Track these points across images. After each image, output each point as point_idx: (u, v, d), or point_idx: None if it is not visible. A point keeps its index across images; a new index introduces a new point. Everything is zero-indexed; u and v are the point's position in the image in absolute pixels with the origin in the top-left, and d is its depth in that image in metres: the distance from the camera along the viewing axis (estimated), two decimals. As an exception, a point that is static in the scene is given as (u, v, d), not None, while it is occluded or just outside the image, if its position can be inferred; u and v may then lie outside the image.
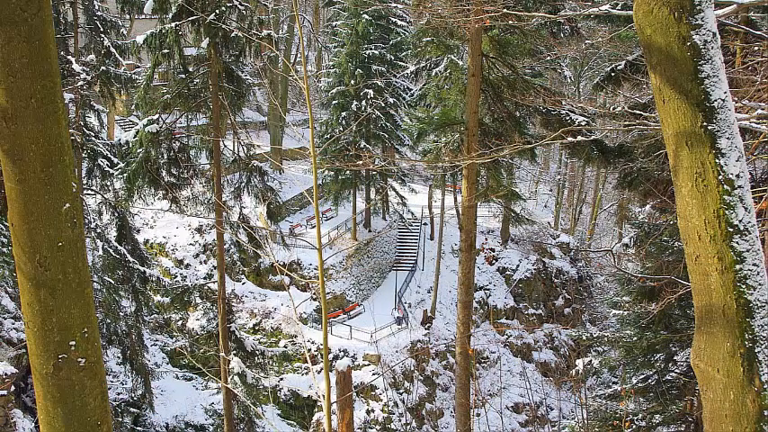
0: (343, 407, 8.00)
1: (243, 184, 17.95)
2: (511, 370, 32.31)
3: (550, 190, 54.53)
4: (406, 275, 34.54)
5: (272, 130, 41.01)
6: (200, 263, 30.97)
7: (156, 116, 16.51)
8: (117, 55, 20.91)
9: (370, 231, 35.19)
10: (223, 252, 18.21)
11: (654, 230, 15.90)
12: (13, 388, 16.14)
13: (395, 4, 29.20)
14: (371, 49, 31.59)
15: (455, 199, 26.34)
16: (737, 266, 4.31)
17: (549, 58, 19.09)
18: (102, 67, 20.18)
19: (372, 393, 26.11)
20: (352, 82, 30.69)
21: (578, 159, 19.51)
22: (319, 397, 11.94)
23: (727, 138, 4.31)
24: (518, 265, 36.49)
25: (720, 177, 4.29)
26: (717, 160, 4.29)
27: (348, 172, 31.23)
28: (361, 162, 20.10)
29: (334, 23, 37.41)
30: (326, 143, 22.69)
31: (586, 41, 17.35)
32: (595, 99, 26.24)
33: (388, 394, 26.14)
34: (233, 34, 16.28)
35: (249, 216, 18.89)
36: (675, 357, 16.16)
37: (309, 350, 27.93)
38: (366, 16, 30.70)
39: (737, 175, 4.31)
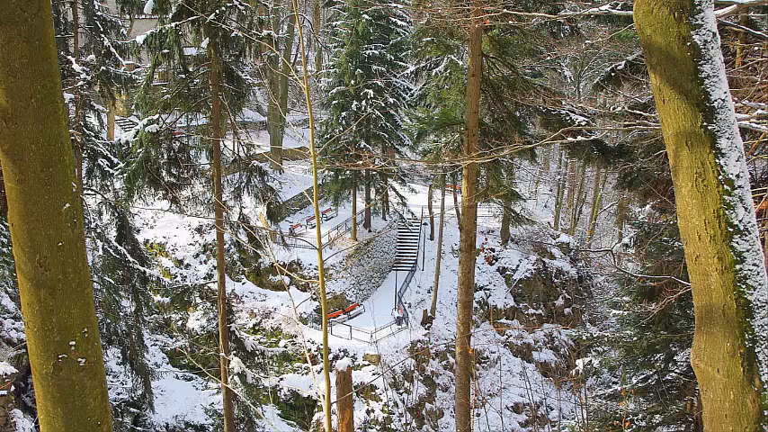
0: (343, 407, 8.00)
1: (243, 184, 17.96)
2: (511, 370, 32.31)
3: (550, 190, 54.54)
4: (406, 275, 34.54)
5: (272, 130, 41.02)
6: (201, 263, 30.98)
7: (156, 116, 16.50)
8: (117, 55, 20.90)
9: (370, 231, 35.20)
10: (223, 252, 18.21)
11: (654, 230, 15.90)
12: (13, 388, 16.14)
13: (395, 4, 29.18)
14: (371, 49, 31.59)
15: (455, 199, 26.34)
16: (737, 266, 4.31)
17: (549, 58, 19.08)
18: (102, 67, 20.18)
19: (372, 393, 26.11)
20: (352, 82, 30.69)
21: (578, 159, 19.50)
22: (319, 397, 11.93)
23: (727, 138, 4.31)
24: (518, 265, 36.49)
25: (720, 177, 4.29)
26: (717, 160, 4.30)
27: (348, 172, 31.23)
28: (361, 162, 20.09)
29: (334, 23, 37.42)
30: (326, 143, 22.65)
31: (586, 41, 17.33)
32: (595, 99, 26.21)
33: (388, 394, 26.14)
34: (233, 34, 16.28)
35: (249, 216, 18.89)
36: (675, 357, 16.16)
37: (309, 350, 27.94)
38: (366, 16, 30.70)
39: (737, 175, 4.31)
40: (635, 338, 15.69)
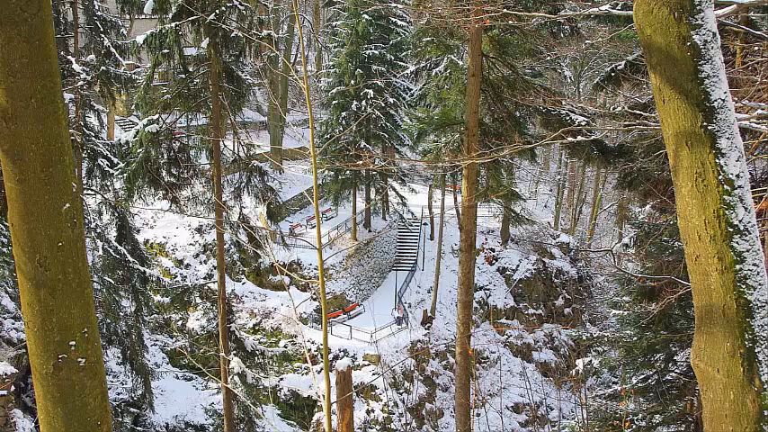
0: (343, 407, 8.00)
1: (243, 184, 17.96)
2: (511, 370, 32.31)
3: (550, 190, 54.54)
4: (406, 275, 34.54)
5: (272, 130, 41.02)
6: (201, 263, 30.97)
7: (156, 116, 16.50)
8: (117, 55, 20.90)
9: (370, 231, 35.20)
10: (223, 252, 18.21)
11: (654, 230, 15.90)
12: (13, 388, 16.14)
13: (395, 4, 29.18)
14: (371, 49, 31.59)
15: (455, 199, 26.34)
16: (737, 266, 4.31)
17: (549, 58, 19.08)
18: (102, 67, 20.17)
19: (372, 393, 26.11)
20: (352, 82, 30.69)
21: (578, 159, 19.50)
22: (319, 397, 11.94)
23: (727, 138, 4.31)
24: (518, 265, 36.49)
25: (720, 177, 4.29)
26: (717, 160, 4.30)
27: (348, 172, 31.23)
28: (361, 162, 20.10)
29: (334, 23, 37.42)
30: (326, 143, 22.66)
31: (586, 41, 17.33)
32: (595, 99, 26.21)
33: (388, 394, 26.14)
34: (233, 34, 16.28)
35: (249, 216, 18.89)
36: (675, 357, 16.16)
37: (309, 350, 27.94)
38: (366, 16, 30.70)
39: (737, 175, 4.31)
40: (635, 338, 15.68)
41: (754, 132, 9.44)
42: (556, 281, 37.37)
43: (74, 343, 4.25)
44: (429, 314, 30.79)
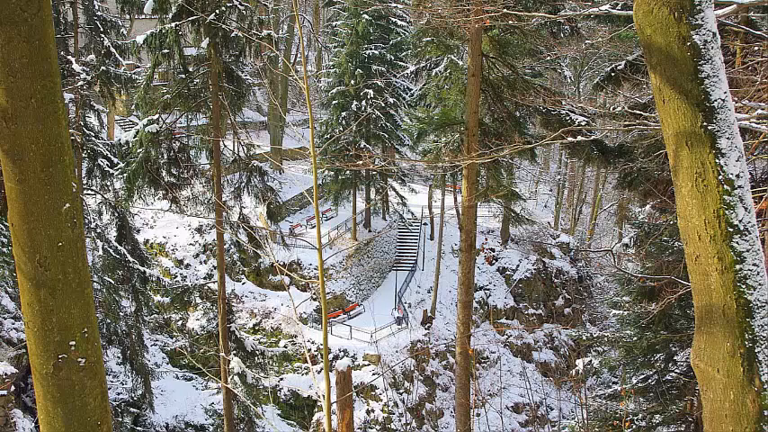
0: (343, 407, 8.00)
1: (243, 184, 17.96)
2: (511, 370, 32.31)
3: (550, 190, 54.54)
4: (406, 275, 34.54)
5: (272, 130, 41.02)
6: (201, 263, 30.98)
7: (156, 116, 16.50)
8: (117, 55, 20.90)
9: (370, 231, 35.19)
10: (223, 252, 18.21)
11: (654, 230, 15.90)
12: (13, 388, 16.14)
13: (395, 4, 29.19)
14: (371, 49, 31.60)
15: (455, 199, 26.34)
16: (737, 266, 4.31)
17: (549, 58, 19.08)
18: (102, 67, 20.17)
19: (372, 393, 26.10)
20: (352, 82, 30.69)
21: (578, 159, 19.50)
22: (319, 397, 11.94)
23: (727, 138, 4.31)
24: (518, 265, 36.49)
25: (720, 177, 4.29)
26: (717, 160, 4.29)
27: (348, 172, 31.23)
28: (361, 162, 20.10)
29: (334, 23, 37.42)
30: (326, 143, 22.66)
31: (586, 41, 17.33)
32: (595, 99, 26.21)
33: (388, 394, 26.13)
34: (233, 34, 16.28)
35: (249, 216, 18.89)
36: (675, 357, 16.16)
37: (309, 350, 27.94)
38: (366, 16, 30.70)
39: (737, 175, 4.31)
40: (635, 338, 15.69)
41: (754, 132, 9.44)
42: (556, 281, 37.36)
43: (74, 343, 4.25)
44: (429, 314, 30.79)
